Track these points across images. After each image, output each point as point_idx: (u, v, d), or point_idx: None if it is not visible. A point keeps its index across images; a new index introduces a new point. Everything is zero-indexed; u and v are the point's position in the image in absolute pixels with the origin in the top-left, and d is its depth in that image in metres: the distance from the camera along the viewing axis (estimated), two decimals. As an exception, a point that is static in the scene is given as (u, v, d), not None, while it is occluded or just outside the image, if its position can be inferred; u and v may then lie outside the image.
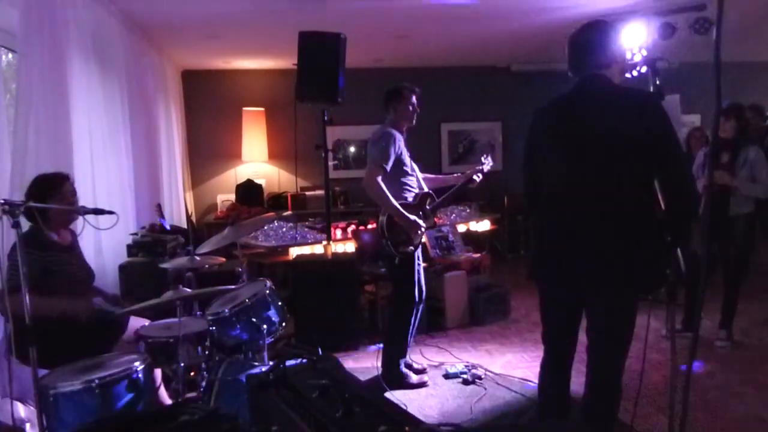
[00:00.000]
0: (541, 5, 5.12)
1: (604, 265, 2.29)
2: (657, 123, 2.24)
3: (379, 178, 3.56)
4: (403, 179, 3.74)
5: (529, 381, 3.78)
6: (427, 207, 3.85)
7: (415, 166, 3.88)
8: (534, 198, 2.55)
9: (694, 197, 2.34)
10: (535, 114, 2.55)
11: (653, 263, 2.32)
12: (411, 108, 3.76)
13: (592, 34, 2.42)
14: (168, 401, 2.91)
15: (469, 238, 6.26)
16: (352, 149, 8.00)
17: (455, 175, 4.24)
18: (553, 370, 2.62)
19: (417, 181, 3.86)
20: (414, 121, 3.82)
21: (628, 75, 5.27)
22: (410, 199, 3.77)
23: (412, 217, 3.63)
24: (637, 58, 5.44)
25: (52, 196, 2.78)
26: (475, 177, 4.01)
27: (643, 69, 5.31)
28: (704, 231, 2.25)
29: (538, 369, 2.67)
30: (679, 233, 2.37)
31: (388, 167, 3.59)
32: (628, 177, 2.27)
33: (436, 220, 5.43)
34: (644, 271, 2.30)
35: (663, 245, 2.33)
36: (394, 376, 3.82)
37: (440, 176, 4.37)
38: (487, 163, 4.13)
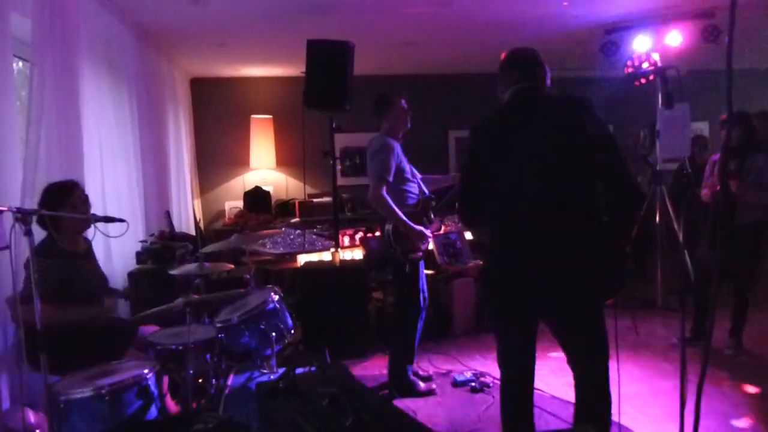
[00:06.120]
0: (551, 13, 5.13)
1: (562, 279, 2.26)
2: (596, 126, 2.26)
3: (384, 191, 3.58)
4: (404, 186, 3.75)
5: (537, 389, 3.75)
6: (431, 212, 3.85)
7: (415, 171, 3.89)
8: (476, 218, 2.56)
9: (638, 194, 2.35)
10: (471, 133, 2.56)
11: (609, 268, 2.29)
12: (402, 112, 3.79)
13: (524, 52, 2.53)
14: (174, 408, 2.91)
15: (477, 245, 6.22)
16: (360, 156, 8.00)
17: (453, 174, 4.26)
18: (516, 396, 2.52)
19: (418, 186, 3.87)
20: (409, 124, 3.84)
21: (636, 83, 5.27)
22: (412, 205, 3.78)
23: (419, 228, 3.65)
24: (646, 66, 5.46)
25: (63, 204, 2.79)
26: None
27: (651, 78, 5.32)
28: (719, 240, 2.23)
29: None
30: (623, 232, 2.36)
31: (391, 179, 3.61)
32: (574, 186, 2.26)
33: (444, 227, 5.40)
34: (602, 278, 2.28)
35: (615, 248, 2.30)
36: (402, 384, 3.81)
37: (439, 176, 4.37)
38: None
